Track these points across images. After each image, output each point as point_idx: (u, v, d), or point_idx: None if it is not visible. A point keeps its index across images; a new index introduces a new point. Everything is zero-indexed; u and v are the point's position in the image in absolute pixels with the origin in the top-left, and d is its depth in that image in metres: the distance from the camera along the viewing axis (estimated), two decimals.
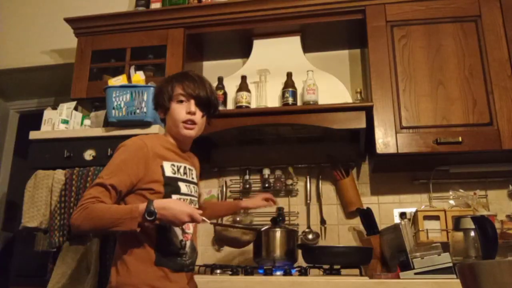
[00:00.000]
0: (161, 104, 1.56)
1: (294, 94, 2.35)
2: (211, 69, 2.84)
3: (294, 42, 2.57)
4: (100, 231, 1.36)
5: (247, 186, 2.56)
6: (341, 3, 2.39)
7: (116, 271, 1.42)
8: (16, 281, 2.02)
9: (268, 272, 2.02)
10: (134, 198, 1.44)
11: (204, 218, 1.44)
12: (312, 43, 2.68)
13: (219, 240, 1.98)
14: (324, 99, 2.33)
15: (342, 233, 2.45)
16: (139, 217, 1.32)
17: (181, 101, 1.53)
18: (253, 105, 2.41)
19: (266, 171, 2.56)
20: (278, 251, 2.13)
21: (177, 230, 1.48)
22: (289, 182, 2.52)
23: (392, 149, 2.13)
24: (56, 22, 2.92)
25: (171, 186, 1.48)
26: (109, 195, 1.38)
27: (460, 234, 1.86)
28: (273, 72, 2.45)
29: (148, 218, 1.32)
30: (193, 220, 1.39)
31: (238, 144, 2.61)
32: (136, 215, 1.33)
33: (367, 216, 2.25)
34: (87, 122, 2.30)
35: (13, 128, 3.59)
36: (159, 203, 1.35)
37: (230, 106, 2.47)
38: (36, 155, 2.17)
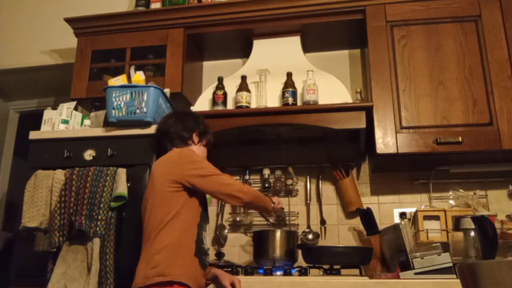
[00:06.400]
0: (206, 138, 1.94)
1: (294, 94, 2.35)
2: (211, 69, 2.84)
3: (294, 42, 2.57)
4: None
5: None
6: (341, 3, 2.39)
7: (160, 256, 1.60)
8: (16, 281, 2.01)
9: (268, 272, 2.02)
10: (180, 194, 1.71)
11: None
12: (312, 43, 2.68)
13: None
14: (324, 99, 2.33)
15: (342, 233, 2.45)
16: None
17: (205, 146, 1.96)
18: (253, 105, 2.41)
19: (266, 171, 2.56)
20: (278, 251, 2.13)
21: (206, 234, 1.77)
22: (289, 182, 2.51)
23: (392, 149, 2.13)
24: (56, 22, 2.93)
25: None
26: None
27: (460, 234, 1.86)
28: (273, 72, 2.45)
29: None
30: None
31: (238, 144, 2.60)
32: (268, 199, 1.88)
33: (367, 216, 2.25)
34: (87, 122, 2.29)
35: (13, 128, 3.59)
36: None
37: (230, 106, 2.46)
38: (36, 155, 2.17)
